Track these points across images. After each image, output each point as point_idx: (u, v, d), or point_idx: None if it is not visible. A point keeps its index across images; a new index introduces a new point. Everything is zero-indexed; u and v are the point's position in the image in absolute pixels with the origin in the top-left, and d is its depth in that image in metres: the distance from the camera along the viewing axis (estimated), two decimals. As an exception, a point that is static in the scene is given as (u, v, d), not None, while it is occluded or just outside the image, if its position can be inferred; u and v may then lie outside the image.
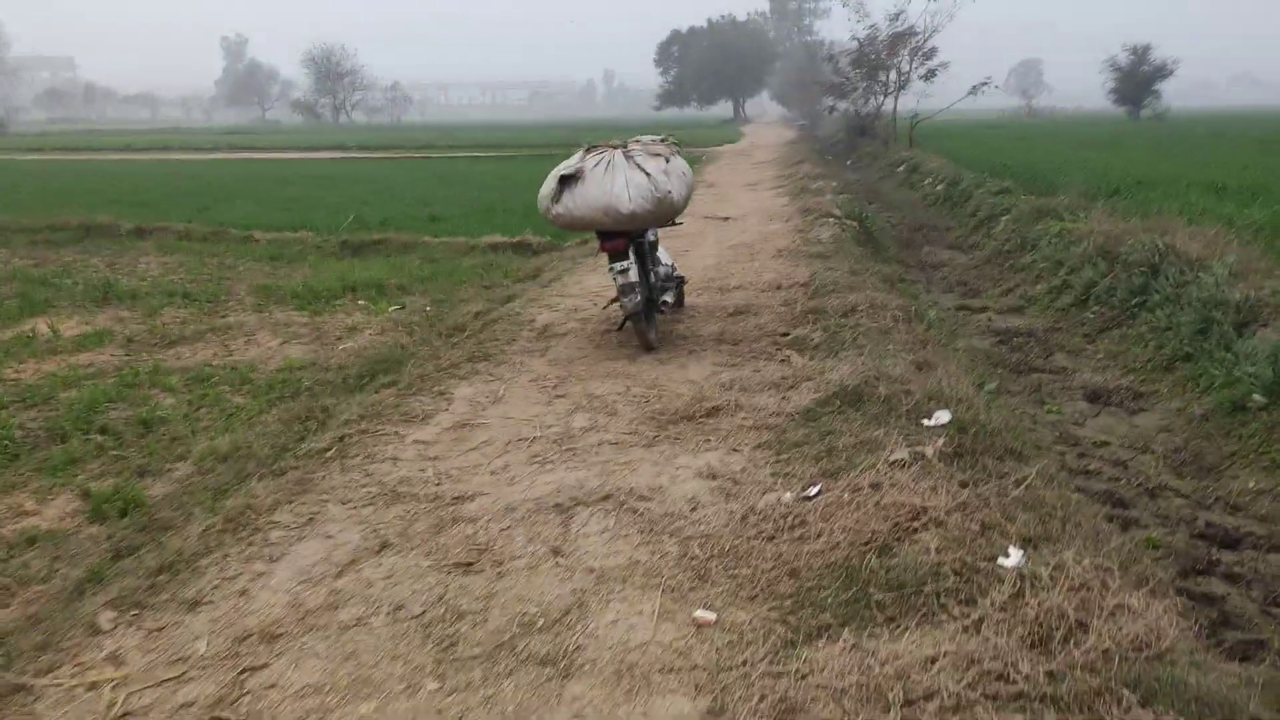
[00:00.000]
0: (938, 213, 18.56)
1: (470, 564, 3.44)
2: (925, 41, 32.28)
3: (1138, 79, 56.81)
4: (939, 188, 20.43)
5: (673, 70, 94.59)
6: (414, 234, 14.34)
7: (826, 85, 38.61)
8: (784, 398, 5.14)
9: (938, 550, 3.11)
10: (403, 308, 9.43)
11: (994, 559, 3.05)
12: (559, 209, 6.13)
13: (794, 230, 12.22)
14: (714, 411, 5.00)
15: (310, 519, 3.91)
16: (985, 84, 29.30)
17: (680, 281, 6.95)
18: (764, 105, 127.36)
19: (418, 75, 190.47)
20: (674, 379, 5.81)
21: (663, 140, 6.46)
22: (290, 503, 4.08)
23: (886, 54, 35.16)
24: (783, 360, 5.88)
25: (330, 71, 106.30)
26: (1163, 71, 56.82)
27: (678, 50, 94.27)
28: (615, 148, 6.27)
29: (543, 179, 6.28)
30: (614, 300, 6.82)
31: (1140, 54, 56.63)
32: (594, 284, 9.36)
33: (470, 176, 25.07)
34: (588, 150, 6.35)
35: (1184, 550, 4.18)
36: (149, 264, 12.21)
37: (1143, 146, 26.32)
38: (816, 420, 4.69)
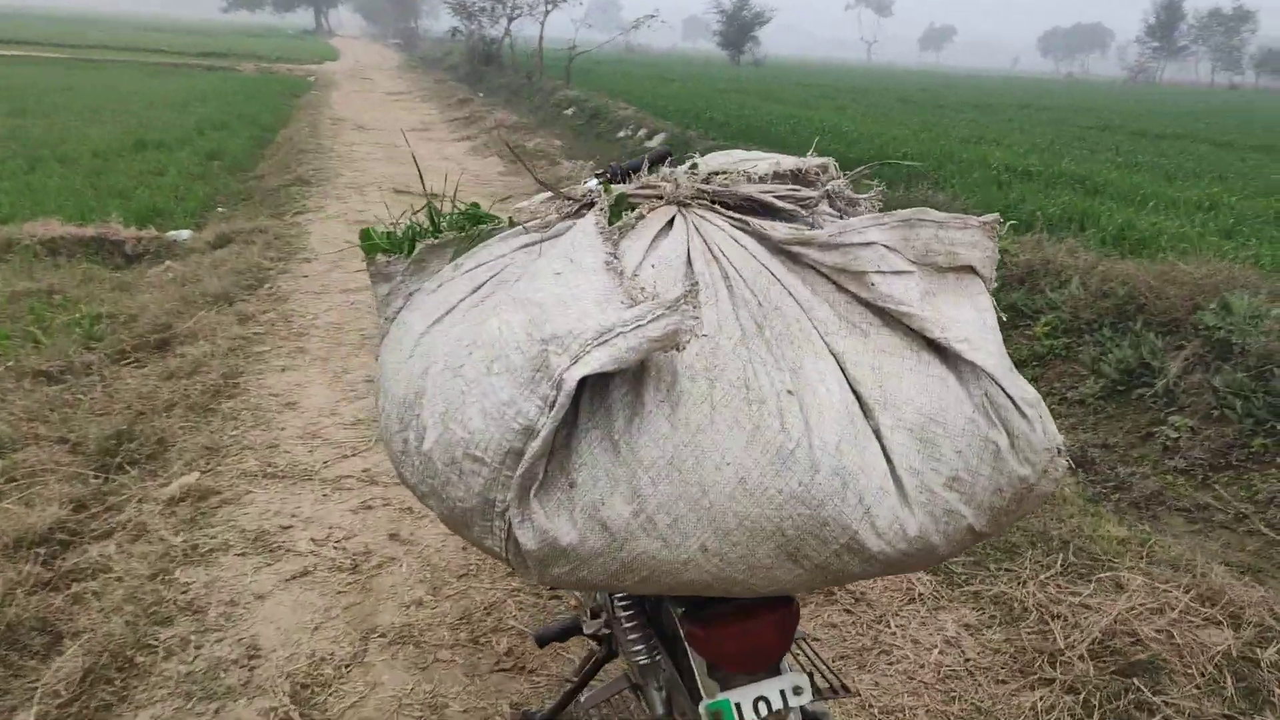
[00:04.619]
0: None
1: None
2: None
3: (740, 24, 57.35)
4: (650, 144, 16.64)
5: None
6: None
7: (453, 3, 33.34)
8: None
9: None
10: None
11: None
12: (554, 527, 1.27)
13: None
14: None
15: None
16: (652, 17, 26.00)
17: None
18: (342, 18, 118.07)
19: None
20: None
21: (842, 173, 1.74)
22: None
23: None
24: None
25: None
26: (761, 18, 57.93)
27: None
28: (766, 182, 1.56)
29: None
30: None
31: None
32: (349, 416, 4.27)
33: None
34: (614, 197, 1.56)
35: None
36: None
37: (824, 101, 24.44)
38: None
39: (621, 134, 18.16)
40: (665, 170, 1.75)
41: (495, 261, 1.64)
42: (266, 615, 2.75)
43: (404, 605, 2.81)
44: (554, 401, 1.25)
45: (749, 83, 32.45)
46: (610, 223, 1.55)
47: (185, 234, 7.91)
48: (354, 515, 3.33)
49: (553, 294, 1.38)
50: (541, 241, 1.66)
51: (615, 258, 1.44)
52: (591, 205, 1.62)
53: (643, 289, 1.39)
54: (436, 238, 1.86)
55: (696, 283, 1.28)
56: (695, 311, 1.27)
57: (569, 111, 21.13)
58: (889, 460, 1.32)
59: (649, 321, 1.25)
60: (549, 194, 1.73)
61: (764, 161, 1.84)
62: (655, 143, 16.21)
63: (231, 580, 2.92)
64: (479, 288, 1.57)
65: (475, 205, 2.00)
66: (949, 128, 17.59)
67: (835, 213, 1.75)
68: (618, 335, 1.24)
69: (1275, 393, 5.07)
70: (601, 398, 1.31)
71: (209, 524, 3.24)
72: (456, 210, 2.03)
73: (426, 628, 2.70)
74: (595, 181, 2.34)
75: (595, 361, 1.23)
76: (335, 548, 3.11)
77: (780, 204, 1.68)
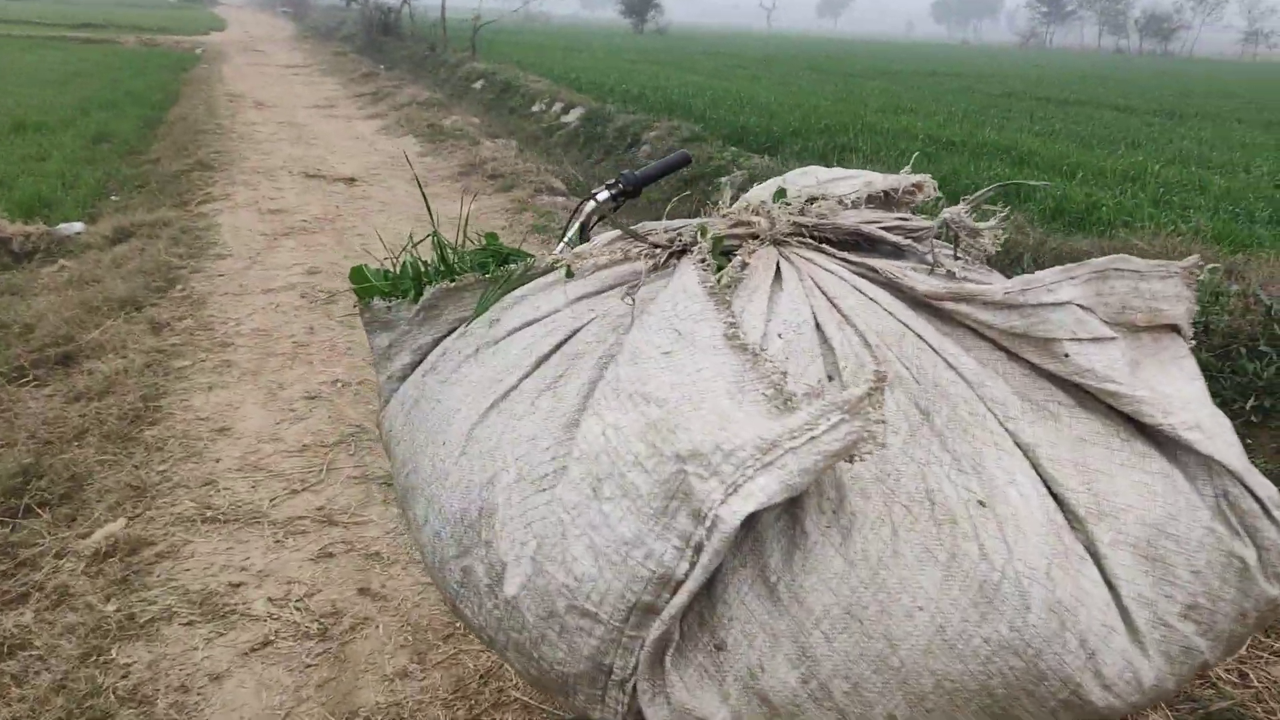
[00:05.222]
0: (587, 156, 14.36)
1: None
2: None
3: (642, -10, 56.93)
4: (567, 119, 16.21)
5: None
6: None
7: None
8: None
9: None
10: None
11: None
12: (698, 704, 0.97)
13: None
14: None
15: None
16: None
17: None
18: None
19: None
20: None
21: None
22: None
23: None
24: None
25: None
26: (663, -16, 57.58)
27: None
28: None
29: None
30: None
31: (644, -35, 56.76)
32: (292, 441, 3.85)
33: None
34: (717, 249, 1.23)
35: None
36: None
37: (737, 71, 24.18)
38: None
39: (536, 108, 17.64)
40: (754, 198, 1.43)
41: (551, 321, 1.30)
42: (226, 701, 2.36)
43: (387, 678, 2.45)
44: (701, 544, 0.93)
45: (656, 52, 32.07)
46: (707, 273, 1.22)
47: (77, 227, 7.26)
48: (314, 565, 2.94)
49: (669, 383, 1.05)
50: (608, 290, 1.32)
51: (736, 328, 1.11)
52: (683, 252, 1.28)
53: (784, 373, 1.06)
54: (453, 280, 1.51)
55: (884, 374, 0.96)
56: (881, 413, 0.95)
57: (478, 85, 20.46)
58: (1111, 587, 1.03)
59: (824, 431, 0.93)
60: (616, 234, 1.39)
61: (852, 181, 1.53)
62: (573, 117, 15.75)
63: (180, 658, 2.51)
64: (543, 361, 1.23)
65: (493, 237, 1.65)
66: (864, 97, 17.52)
67: (947, 245, 1.45)
68: (786, 453, 0.92)
69: (1241, 372, 4.99)
70: (748, 523, 0.99)
71: (144, 585, 2.82)
72: (465, 244, 1.67)
73: (417, 706, 2.35)
74: (606, 194, 2.00)
75: (761, 492, 0.91)
76: (297, 608, 2.72)
77: (888, 237, 1.37)
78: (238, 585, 2.82)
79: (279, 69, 21.43)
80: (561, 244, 1.92)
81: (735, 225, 1.33)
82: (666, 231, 1.35)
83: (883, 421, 0.95)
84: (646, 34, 54.06)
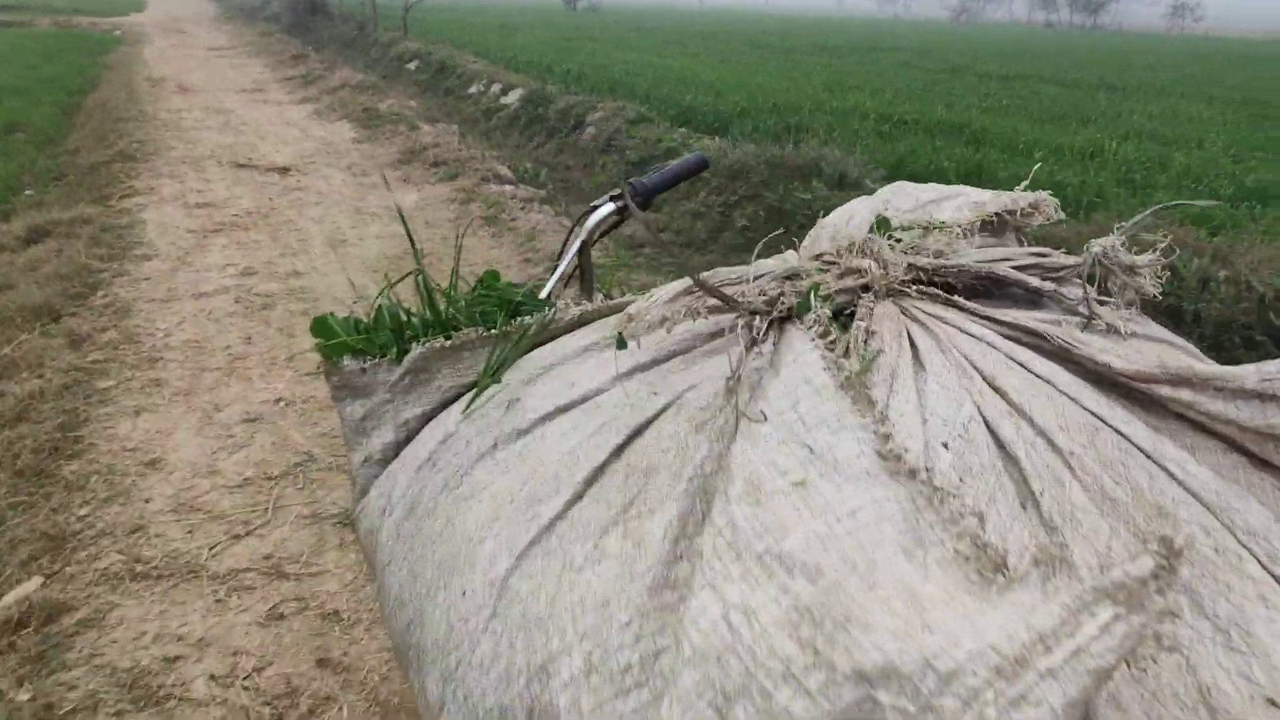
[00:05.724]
0: (529, 139, 13.91)
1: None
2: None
3: (576, -33, 56.08)
4: (507, 100, 15.72)
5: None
6: None
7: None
8: None
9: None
10: None
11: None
12: None
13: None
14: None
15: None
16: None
17: None
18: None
19: None
20: None
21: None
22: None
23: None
24: None
25: None
26: (596, -39, 56.80)
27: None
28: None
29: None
30: None
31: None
32: (231, 473, 3.44)
33: None
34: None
35: None
36: None
37: (675, 48, 23.79)
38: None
39: (474, 89, 17.09)
40: (853, 232, 1.08)
41: (596, 406, 0.95)
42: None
43: None
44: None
45: (592, 30, 31.49)
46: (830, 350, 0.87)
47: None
48: (263, 630, 2.55)
49: (817, 537, 0.70)
50: (670, 360, 0.96)
51: (892, 439, 0.77)
52: (785, 318, 0.93)
53: (979, 515, 0.72)
54: (448, 337, 1.14)
55: (1174, 541, 0.62)
56: (1171, 601, 0.62)
57: (412, 66, 19.82)
58: None
59: (1093, 637, 0.59)
60: (681, 286, 1.03)
61: (956, 201, 1.19)
62: (512, 99, 15.24)
63: (108, 760, 2.12)
64: (597, 475, 0.88)
65: (494, 276, 1.29)
66: (809, 74, 17.27)
67: (1086, 286, 1.12)
68: (1043, 678, 0.58)
69: (1235, 363, 4.77)
70: None
71: (64, 664, 2.41)
72: (457, 285, 1.31)
73: None
74: (611, 205, 1.65)
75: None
76: (245, 688, 2.33)
77: (1027, 279, 1.03)
78: (174, 660, 2.42)
79: (203, 51, 20.52)
80: (559, 271, 1.56)
81: (844, 274, 0.98)
82: (755, 282, 1.00)
83: (1175, 615, 0.62)
84: (580, 11, 53.33)
